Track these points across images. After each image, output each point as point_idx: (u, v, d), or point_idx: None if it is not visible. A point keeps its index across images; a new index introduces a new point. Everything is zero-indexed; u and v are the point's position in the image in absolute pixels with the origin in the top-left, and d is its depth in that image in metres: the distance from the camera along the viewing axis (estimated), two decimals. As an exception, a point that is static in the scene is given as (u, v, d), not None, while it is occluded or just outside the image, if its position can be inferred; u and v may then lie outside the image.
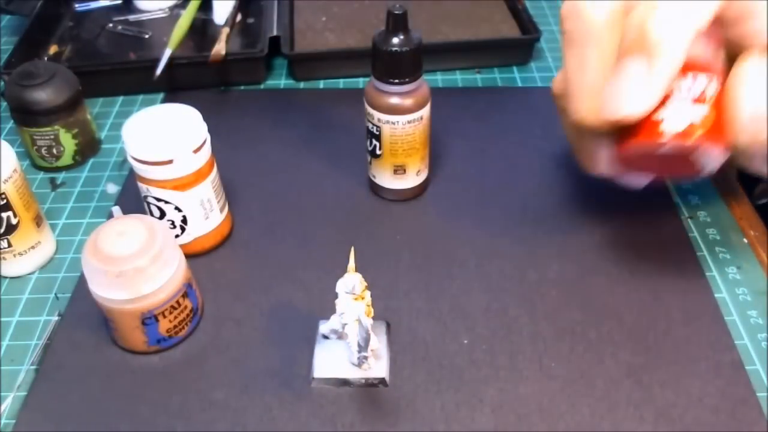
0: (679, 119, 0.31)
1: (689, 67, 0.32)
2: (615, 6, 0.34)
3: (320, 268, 0.44)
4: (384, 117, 0.44)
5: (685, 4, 0.32)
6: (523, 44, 0.63)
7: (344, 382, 0.38)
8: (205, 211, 0.44)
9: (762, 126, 0.32)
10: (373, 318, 0.36)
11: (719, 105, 0.32)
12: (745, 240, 0.46)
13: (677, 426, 0.36)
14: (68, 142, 0.53)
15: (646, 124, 0.32)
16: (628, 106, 0.32)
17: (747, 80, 0.32)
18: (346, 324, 0.36)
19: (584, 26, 0.35)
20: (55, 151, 0.53)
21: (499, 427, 0.36)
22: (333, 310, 0.37)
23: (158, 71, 0.56)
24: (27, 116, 0.51)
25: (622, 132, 0.34)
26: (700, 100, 0.32)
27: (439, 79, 0.62)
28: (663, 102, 0.32)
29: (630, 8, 0.34)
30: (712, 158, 0.33)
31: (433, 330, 0.41)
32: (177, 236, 0.44)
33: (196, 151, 0.41)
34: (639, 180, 0.38)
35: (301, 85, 0.62)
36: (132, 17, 0.68)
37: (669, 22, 0.31)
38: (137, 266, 0.36)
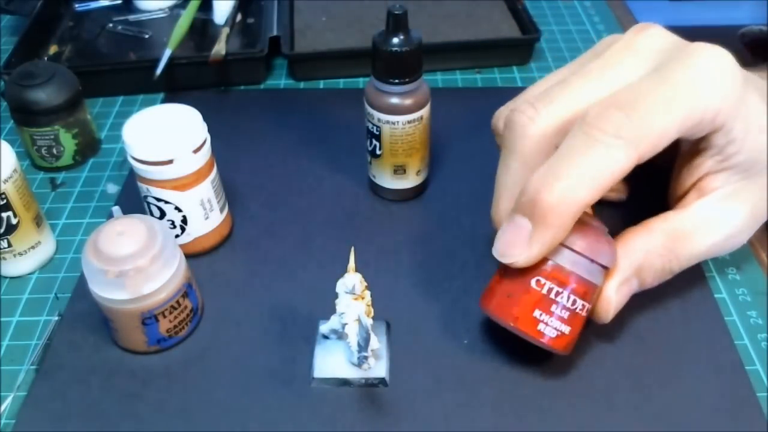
0: (552, 329, 0.35)
1: (573, 288, 0.35)
2: (547, 126, 0.36)
3: (320, 268, 0.44)
4: (384, 117, 0.44)
5: (576, 183, 0.33)
6: (523, 44, 0.63)
7: (344, 382, 0.38)
8: (205, 211, 0.44)
9: None
10: (373, 318, 0.36)
11: (579, 326, 0.36)
12: (745, 240, 0.46)
13: (677, 426, 0.36)
14: (68, 142, 0.53)
15: (525, 314, 0.35)
16: (511, 257, 0.35)
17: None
18: (346, 324, 0.36)
19: (514, 138, 0.37)
20: (55, 151, 0.53)
21: (499, 427, 0.36)
22: (333, 310, 0.37)
23: (158, 71, 0.57)
24: (27, 116, 0.51)
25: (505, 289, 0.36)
26: (569, 321, 0.35)
27: (439, 79, 0.62)
28: (544, 304, 0.35)
29: (565, 131, 0.35)
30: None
31: (433, 330, 0.41)
32: (177, 236, 0.44)
33: (196, 151, 0.41)
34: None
35: (301, 85, 0.62)
36: (132, 17, 0.68)
37: (558, 199, 0.33)
38: (137, 266, 0.36)
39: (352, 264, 0.36)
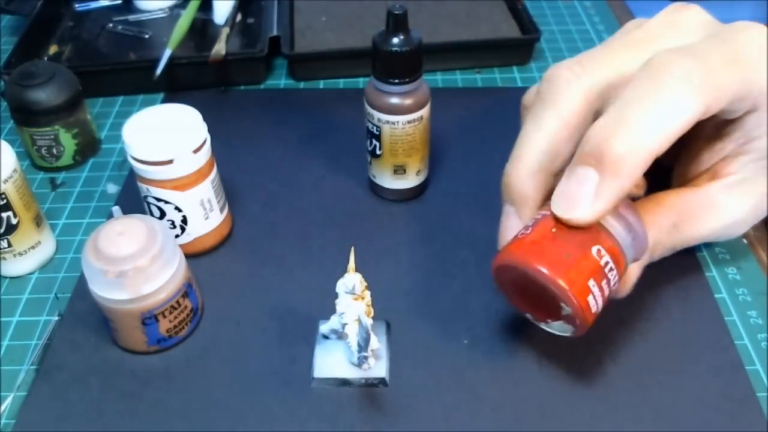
0: (597, 304, 0.33)
1: (621, 268, 0.33)
2: (592, 85, 0.35)
3: (320, 268, 0.44)
4: (384, 117, 0.44)
5: (646, 130, 0.31)
6: (523, 44, 0.63)
7: (344, 382, 0.38)
8: (205, 211, 0.44)
9: None
10: (373, 318, 0.36)
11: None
12: (745, 240, 0.46)
13: (677, 426, 0.36)
14: (68, 142, 0.53)
15: (580, 282, 0.32)
16: (574, 212, 0.32)
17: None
18: (346, 324, 0.36)
19: (555, 92, 0.35)
20: (55, 151, 0.53)
21: (499, 427, 0.36)
22: (333, 310, 0.37)
23: (158, 71, 0.57)
24: (27, 116, 0.51)
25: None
26: (605, 299, 0.33)
27: (439, 79, 0.62)
28: (599, 276, 0.32)
29: (606, 96, 0.35)
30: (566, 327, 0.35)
31: (433, 330, 0.41)
32: (177, 236, 0.44)
33: (196, 151, 0.41)
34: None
35: (301, 85, 0.62)
36: (132, 17, 0.68)
37: (629, 147, 0.31)
38: (137, 266, 0.36)
39: (352, 264, 0.36)
